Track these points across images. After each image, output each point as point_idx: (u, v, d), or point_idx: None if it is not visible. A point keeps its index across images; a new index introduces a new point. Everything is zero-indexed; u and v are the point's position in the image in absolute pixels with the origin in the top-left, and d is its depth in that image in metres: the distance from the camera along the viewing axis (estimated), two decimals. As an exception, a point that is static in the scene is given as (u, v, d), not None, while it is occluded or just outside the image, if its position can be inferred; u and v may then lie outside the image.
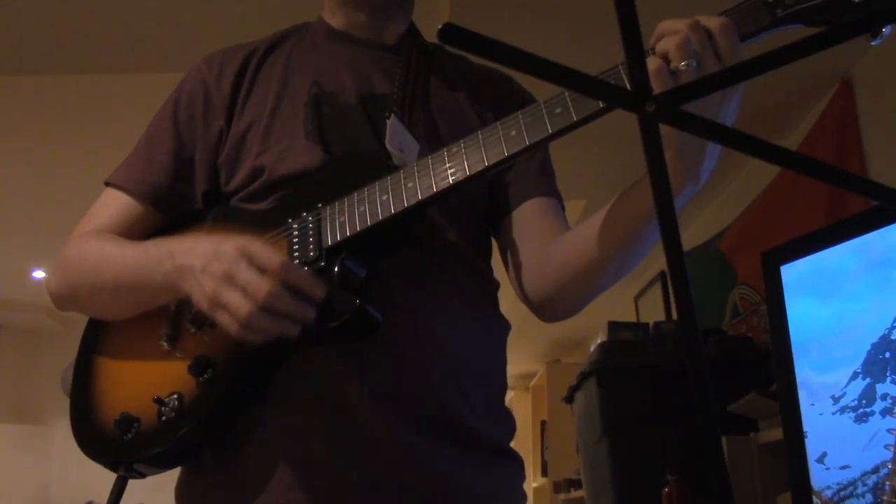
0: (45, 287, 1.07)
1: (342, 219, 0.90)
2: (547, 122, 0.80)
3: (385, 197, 0.88)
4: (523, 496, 1.02)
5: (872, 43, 0.66)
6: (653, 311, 4.12)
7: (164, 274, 0.90)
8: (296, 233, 0.93)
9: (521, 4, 2.26)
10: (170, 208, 1.05)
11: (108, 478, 0.95)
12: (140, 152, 1.07)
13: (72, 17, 2.44)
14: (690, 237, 3.67)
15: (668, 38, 0.76)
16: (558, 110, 0.80)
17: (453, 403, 0.94)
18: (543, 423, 5.47)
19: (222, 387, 0.90)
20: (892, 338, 1.32)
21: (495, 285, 1.08)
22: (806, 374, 1.48)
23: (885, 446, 1.31)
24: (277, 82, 1.06)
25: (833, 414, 1.41)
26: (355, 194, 0.91)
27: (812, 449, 1.46)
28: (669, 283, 0.44)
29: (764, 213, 3.04)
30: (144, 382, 0.95)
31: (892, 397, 1.31)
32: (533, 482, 5.68)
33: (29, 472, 5.82)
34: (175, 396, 0.91)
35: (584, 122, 0.79)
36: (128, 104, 2.83)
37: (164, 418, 0.91)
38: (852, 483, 1.37)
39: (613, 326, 2.66)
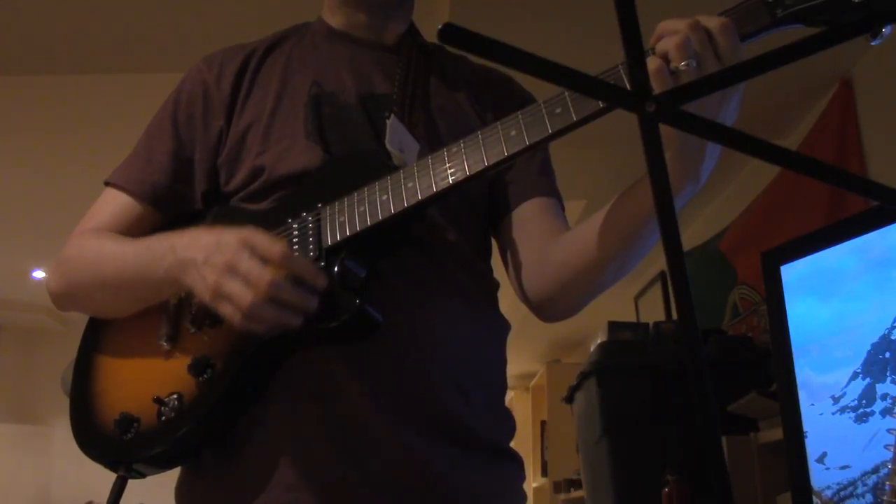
0: (45, 287, 1.07)
1: (342, 219, 0.90)
2: (547, 123, 0.80)
3: (385, 197, 0.88)
4: (523, 496, 1.02)
5: (872, 43, 0.66)
6: (653, 311, 4.12)
7: (166, 268, 0.90)
8: (296, 233, 0.93)
9: (521, 4, 2.26)
10: (169, 208, 1.05)
11: (108, 478, 0.95)
12: (140, 152, 1.08)
13: (72, 17, 2.44)
14: (690, 237, 3.67)
15: (668, 38, 0.76)
16: (558, 110, 0.80)
17: (453, 403, 0.94)
18: (543, 423, 5.47)
19: (222, 387, 0.90)
20: (892, 338, 1.32)
21: (495, 285, 1.08)
22: (806, 374, 1.48)
23: (885, 446, 1.31)
24: (277, 82, 1.06)
25: (833, 414, 1.41)
26: (355, 194, 0.91)
27: (812, 449, 1.46)
28: (669, 283, 0.44)
29: (764, 213, 3.04)
30: (144, 382, 0.95)
31: (892, 397, 1.31)
32: (533, 482, 5.67)
33: (29, 472, 5.82)
34: (175, 396, 0.91)
35: (584, 122, 0.79)
36: (128, 104, 2.83)
37: (163, 418, 0.91)
38: (852, 483, 1.37)
39: (613, 326, 2.66)
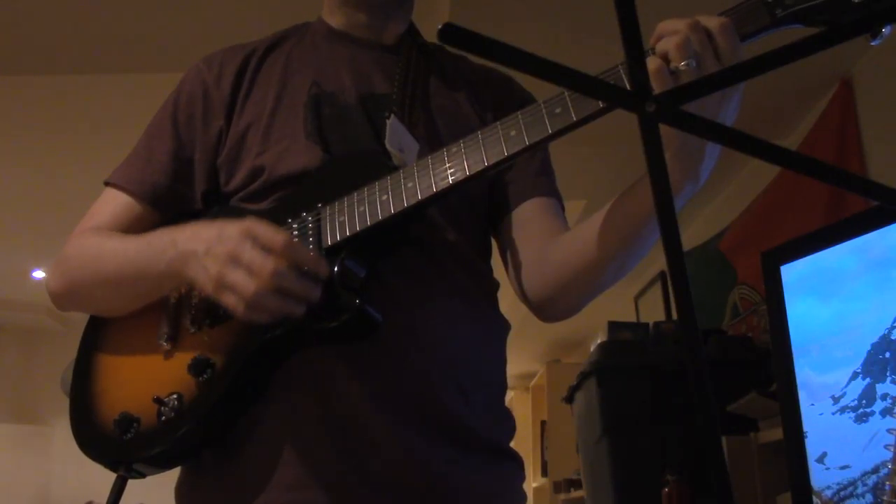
0: (44, 287, 1.07)
1: (342, 219, 0.90)
2: (547, 123, 0.80)
3: (385, 197, 0.88)
4: (523, 496, 1.02)
5: (872, 43, 0.66)
6: (653, 311, 4.12)
7: (168, 261, 0.90)
8: (295, 233, 0.93)
9: (521, 4, 2.26)
10: (169, 208, 1.05)
11: (108, 478, 0.95)
12: (140, 152, 1.08)
13: (72, 17, 2.45)
14: (690, 237, 3.67)
15: (667, 38, 0.76)
16: (558, 110, 0.80)
17: (453, 403, 0.94)
18: (543, 423, 5.47)
19: (222, 387, 0.90)
20: (892, 338, 1.32)
21: (495, 285, 1.08)
22: (806, 374, 1.48)
23: (885, 446, 1.31)
24: (277, 82, 1.06)
25: (833, 414, 1.41)
26: (355, 194, 0.91)
27: (812, 449, 1.46)
28: (669, 283, 0.44)
29: (764, 213, 3.04)
30: (144, 382, 0.95)
31: (892, 397, 1.31)
32: (533, 482, 5.67)
33: (29, 472, 5.82)
34: (175, 396, 0.91)
35: (583, 122, 0.79)
36: (128, 104, 2.83)
37: (163, 418, 0.91)
38: (852, 483, 1.37)
39: (613, 326, 2.66)
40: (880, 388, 1.34)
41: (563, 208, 1.09)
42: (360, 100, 1.04)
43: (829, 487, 1.42)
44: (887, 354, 1.33)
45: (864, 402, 1.36)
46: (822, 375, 1.45)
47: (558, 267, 0.97)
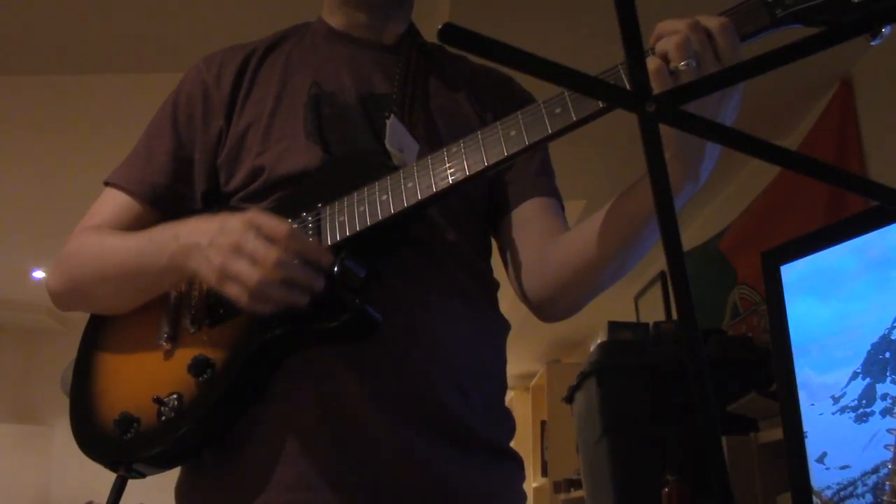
0: (44, 287, 1.07)
1: (342, 219, 0.90)
2: (547, 123, 0.80)
3: (385, 197, 0.88)
4: (523, 496, 1.02)
5: (872, 43, 0.66)
6: (653, 311, 4.12)
7: (171, 255, 0.90)
8: (296, 232, 0.93)
9: (521, 4, 2.26)
10: (169, 208, 1.05)
11: (108, 478, 0.95)
12: (139, 152, 1.08)
13: (72, 17, 2.44)
14: (690, 237, 3.67)
15: (667, 38, 0.76)
16: (558, 110, 0.80)
17: (453, 403, 0.94)
18: (543, 423, 5.47)
19: (222, 387, 0.90)
20: (892, 338, 1.32)
21: (495, 285, 1.08)
22: (806, 374, 1.48)
23: (885, 446, 1.31)
24: (277, 82, 1.06)
25: (833, 414, 1.41)
26: (355, 194, 0.91)
27: (812, 449, 1.46)
28: (669, 283, 0.44)
29: (764, 213, 3.04)
30: (144, 382, 0.95)
31: (892, 397, 1.31)
32: (533, 482, 5.67)
33: (29, 472, 5.82)
34: (175, 396, 0.91)
35: (583, 122, 0.79)
36: (128, 104, 2.83)
37: (163, 418, 0.91)
38: (852, 483, 1.37)
39: (613, 326, 2.66)
40: (880, 388, 1.34)
41: (563, 208, 1.09)
42: (360, 100, 1.04)
43: (829, 487, 1.42)
44: (887, 354, 1.33)
45: (864, 402, 1.36)
46: (822, 375, 1.45)
47: (558, 267, 0.98)
